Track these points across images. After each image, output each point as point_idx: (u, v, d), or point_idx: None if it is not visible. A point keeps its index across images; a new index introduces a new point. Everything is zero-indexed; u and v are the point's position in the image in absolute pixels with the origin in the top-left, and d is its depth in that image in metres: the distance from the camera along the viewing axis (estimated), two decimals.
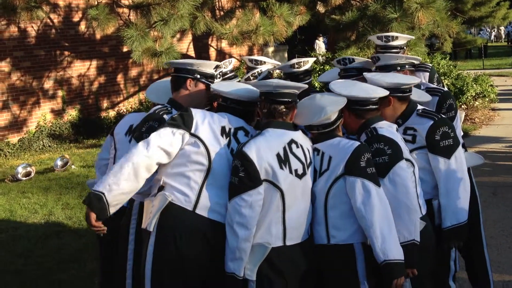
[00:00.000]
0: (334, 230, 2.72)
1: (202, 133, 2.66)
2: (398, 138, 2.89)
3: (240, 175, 2.58)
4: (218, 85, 2.91)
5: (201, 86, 3.07)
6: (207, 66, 3.08)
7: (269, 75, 3.74)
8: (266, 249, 2.62)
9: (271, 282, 2.65)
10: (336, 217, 2.72)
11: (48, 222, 6.26)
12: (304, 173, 2.70)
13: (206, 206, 2.65)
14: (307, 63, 3.72)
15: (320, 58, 11.76)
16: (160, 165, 2.67)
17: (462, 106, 11.18)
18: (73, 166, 8.88)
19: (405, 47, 3.83)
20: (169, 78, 3.25)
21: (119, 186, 2.56)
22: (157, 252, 2.64)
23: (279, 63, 4.05)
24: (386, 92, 2.95)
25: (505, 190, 6.55)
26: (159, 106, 3.03)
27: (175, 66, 3.12)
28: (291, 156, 2.67)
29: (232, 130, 2.75)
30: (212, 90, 2.93)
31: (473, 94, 10.99)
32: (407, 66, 3.39)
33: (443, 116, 3.13)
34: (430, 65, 4.02)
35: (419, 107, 3.15)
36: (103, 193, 2.56)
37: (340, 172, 2.69)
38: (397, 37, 3.75)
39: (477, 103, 11.31)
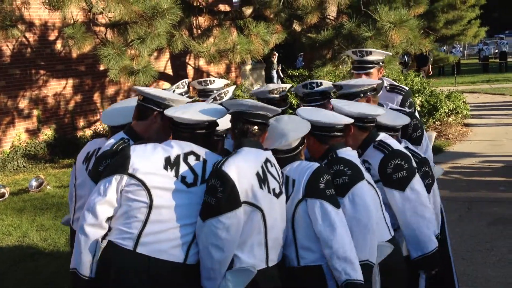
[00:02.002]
0: (304, 252, 2.72)
1: (139, 172, 2.52)
2: (358, 161, 2.91)
3: (218, 196, 2.48)
4: (172, 109, 2.75)
5: (166, 121, 2.89)
6: (179, 103, 2.93)
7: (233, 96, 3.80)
8: (252, 274, 2.55)
9: None
10: (304, 239, 2.71)
11: (22, 245, 6.14)
12: (280, 192, 2.69)
13: (148, 244, 2.49)
14: (285, 89, 3.80)
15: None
16: None
17: (436, 122, 11.36)
18: (48, 187, 8.75)
19: (381, 63, 3.89)
20: (124, 101, 3.16)
21: (87, 257, 2.55)
22: None
23: (228, 81, 4.14)
24: (351, 120, 2.98)
25: (479, 205, 6.66)
26: (116, 141, 2.88)
27: (144, 95, 2.95)
28: (268, 175, 2.64)
29: (181, 157, 2.61)
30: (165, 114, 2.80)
31: (447, 110, 11.19)
32: (369, 93, 3.39)
33: (395, 148, 3.05)
34: (407, 88, 4.00)
35: (380, 137, 3.12)
36: (76, 268, 2.58)
37: (302, 194, 2.70)
38: (371, 52, 3.83)
39: (450, 119, 11.51)
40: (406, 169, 3.00)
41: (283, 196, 2.71)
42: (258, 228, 2.59)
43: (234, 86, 4.29)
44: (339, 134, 2.94)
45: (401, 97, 3.89)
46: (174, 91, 3.84)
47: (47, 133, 11.87)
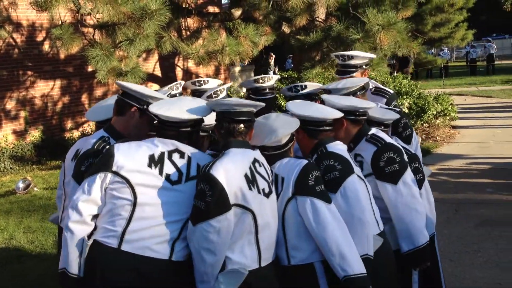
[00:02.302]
0: (294, 251, 2.72)
1: (123, 169, 2.53)
2: (348, 155, 2.92)
3: (207, 200, 2.47)
4: (155, 106, 2.73)
5: (146, 118, 2.92)
6: (158, 100, 2.91)
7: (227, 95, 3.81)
8: (243, 275, 2.54)
9: None
10: (294, 238, 2.72)
11: (9, 247, 6.09)
12: (270, 191, 2.68)
13: (133, 241, 2.49)
14: (271, 79, 3.82)
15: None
16: None
17: (424, 124, 11.44)
18: (35, 189, 8.68)
19: (364, 66, 3.90)
20: (109, 98, 3.16)
21: (74, 254, 2.55)
22: None
23: (221, 81, 4.15)
24: (341, 114, 2.99)
25: (467, 206, 6.70)
26: (96, 139, 2.90)
27: (124, 89, 2.93)
28: (257, 176, 2.63)
29: (165, 154, 2.61)
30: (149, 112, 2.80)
31: (434, 112, 11.27)
32: (358, 93, 3.42)
33: (387, 141, 3.07)
34: (391, 91, 4.01)
35: (372, 131, 3.13)
36: (65, 268, 2.59)
37: (291, 192, 2.70)
38: (353, 57, 3.85)
39: (438, 121, 11.59)
40: (398, 162, 3.02)
41: (273, 195, 2.71)
42: (249, 229, 2.59)
43: (229, 85, 4.27)
44: (328, 128, 2.94)
45: (385, 100, 3.91)
46: (169, 93, 3.82)
47: (35, 134, 11.78)
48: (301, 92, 3.60)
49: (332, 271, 2.67)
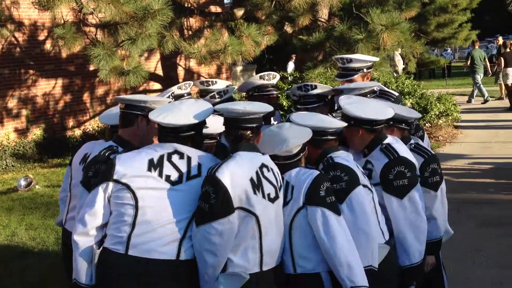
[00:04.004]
0: (300, 260, 2.72)
1: (124, 177, 2.56)
2: (354, 165, 2.92)
3: (211, 202, 2.49)
4: (154, 112, 2.73)
5: (152, 124, 2.92)
6: (160, 104, 2.96)
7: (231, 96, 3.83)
8: (243, 279, 2.56)
9: None
10: (301, 247, 2.71)
11: (11, 244, 6.10)
12: (276, 197, 2.68)
13: (139, 245, 2.52)
14: (276, 76, 3.90)
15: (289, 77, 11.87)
16: None
17: (426, 124, 11.42)
18: (37, 186, 8.69)
19: (365, 69, 3.88)
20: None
21: (82, 264, 2.62)
22: None
23: (230, 83, 4.16)
24: (344, 124, 3.01)
25: (469, 206, 6.69)
26: (104, 147, 2.94)
27: (126, 102, 2.99)
28: (263, 180, 2.63)
29: (165, 157, 2.62)
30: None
31: (437, 112, 11.25)
32: (369, 96, 3.44)
33: (400, 155, 3.03)
34: (396, 94, 3.92)
35: (388, 140, 3.10)
36: (75, 278, 2.65)
37: (302, 202, 2.70)
38: (351, 60, 3.85)
39: (440, 121, 11.56)
40: (408, 177, 3.00)
41: (279, 201, 2.70)
42: (252, 233, 2.59)
43: (234, 87, 4.26)
44: (332, 138, 2.95)
45: (390, 103, 3.89)
46: (172, 93, 3.81)
47: (36, 132, 11.80)
48: (310, 92, 3.59)
49: (338, 281, 2.68)
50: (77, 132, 12.45)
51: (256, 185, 2.58)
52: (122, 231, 2.54)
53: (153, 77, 13.37)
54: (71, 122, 12.58)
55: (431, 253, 3.31)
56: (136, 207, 2.53)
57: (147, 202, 2.54)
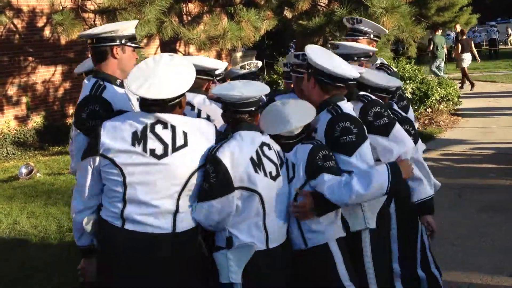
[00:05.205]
0: (309, 233, 2.77)
1: (109, 151, 2.53)
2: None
3: (211, 181, 2.54)
4: (134, 82, 2.55)
5: (129, 50, 2.89)
6: (130, 27, 2.88)
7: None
8: (251, 248, 2.60)
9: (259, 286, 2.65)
10: (309, 221, 2.75)
11: (13, 232, 6.11)
12: (278, 175, 2.71)
13: (133, 220, 2.52)
14: (256, 65, 4.09)
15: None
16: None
17: (427, 109, 11.38)
18: (38, 174, 8.69)
19: (372, 36, 3.91)
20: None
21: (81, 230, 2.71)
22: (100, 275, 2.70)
23: (226, 63, 4.25)
24: (358, 75, 2.96)
25: (470, 191, 6.69)
26: (92, 84, 2.83)
27: (94, 36, 2.84)
28: (264, 159, 2.67)
29: (148, 128, 2.54)
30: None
31: (438, 98, 11.20)
32: (362, 58, 3.48)
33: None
34: (393, 69, 4.04)
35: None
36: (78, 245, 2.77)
37: (303, 179, 2.73)
38: (361, 21, 3.91)
39: (441, 106, 11.52)
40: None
41: (281, 178, 2.73)
42: (256, 211, 2.64)
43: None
44: (342, 85, 2.91)
45: (372, 70, 3.95)
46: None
47: (37, 120, 11.78)
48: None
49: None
50: None
51: (257, 164, 2.63)
52: (116, 206, 2.55)
53: None
54: (71, 109, 12.54)
55: (427, 213, 3.36)
56: (124, 183, 2.52)
57: (135, 178, 2.52)
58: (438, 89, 11.27)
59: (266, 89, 2.80)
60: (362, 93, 3.14)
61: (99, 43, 2.85)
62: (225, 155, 2.55)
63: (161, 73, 2.56)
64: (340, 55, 3.39)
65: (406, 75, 11.03)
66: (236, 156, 2.57)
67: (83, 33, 2.96)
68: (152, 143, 2.53)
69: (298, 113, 2.82)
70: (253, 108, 2.71)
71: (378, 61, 3.98)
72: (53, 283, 4.72)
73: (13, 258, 5.34)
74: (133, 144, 2.52)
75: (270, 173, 2.67)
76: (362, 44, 3.69)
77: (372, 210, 2.92)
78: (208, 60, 3.24)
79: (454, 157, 8.51)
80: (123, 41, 2.87)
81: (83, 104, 2.80)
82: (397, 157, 2.98)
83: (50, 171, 9.03)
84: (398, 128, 3.08)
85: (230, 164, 2.55)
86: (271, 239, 2.67)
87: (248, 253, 2.60)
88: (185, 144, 2.56)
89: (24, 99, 11.74)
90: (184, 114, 2.76)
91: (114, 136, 2.54)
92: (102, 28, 2.85)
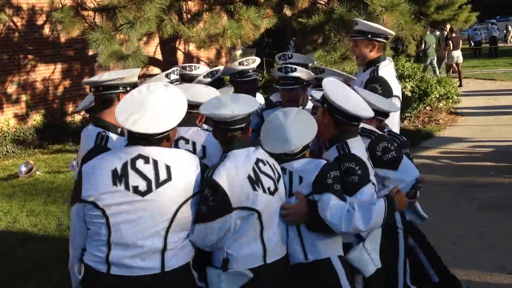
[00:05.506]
0: (311, 247, 2.74)
1: (90, 196, 2.42)
2: (365, 155, 2.91)
3: (210, 205, 2.49)
4: (121, 114, 2.47)
5: None
6: (134, 75, 2.89)
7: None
8: (245, 277, 2.56)
9: None
10: (310, 235, 2.73)
11: (12, 230, 6.12)
12: (276, 189, 2.67)
13: (119, 264, 2.41)
14: (254, 61, 4.08)
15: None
16: None
17: (427, 107, 11.38)
18: (38, 172, 8.70)
19: (368, 36, 3.91)
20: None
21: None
22: None
23: (208, 69, 4.25)
24: (372, 114, 2.96)
25: (470, 190, 6.69)
26: (94, 132, 2.86)
27: (100, 84, 2.85)
28: (261, 175, 2.62)
29: (128, 165, 2.43)
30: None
31: (437, 96, 11.21)
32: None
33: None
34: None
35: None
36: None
37: (308, 191, 2.71)
38: (357, 22, 4.04)
39: (441, 104, 11.53)
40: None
41: (279, 192, 2.69)
42: (254, 228, 2.60)
43: (222, 67, 4.30)
44: (356, 124, 2.92)
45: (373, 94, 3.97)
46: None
47: (36, 118, 11.77)
48: (290, 74, 3.68)
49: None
50: (77, 117, 12.41)
51: (255, 181, 2.58)
52: (100, 250, 2.44)
53: (152, 61, 13.26)
54: (70, 108, 12.54)
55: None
56: (107, 225, 2.41)
57: (119, 218, 2.40)
58: (438, 87, 11.28)
59: (256, 104, 2.76)
60: (366, 127, 3.11)
61: (107, 90, 2.87)
62: (222, 177, 2.50)
63: (152, 105, 2.46)
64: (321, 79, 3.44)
65: (406, 73, 11.03)
66: (233, 177, 2.52)
67: (88, 80, 2.95)
68: (135, 179, 2.42)
69: (299, 131, 2.78)
70: (244, 125, 2.65)
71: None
72: (52, 281, 4.73)
73: (12, 256, 5.34)
74: (114, 184, 2.40)
75: (269, 188, 2.63)
76: (342, 72, 3.76)
77: (375, 251, 2.92)
78: (204, 94, 3.08)
79: (453, 155, 8.52)
80: (128, 88, 2.87)
81: (91, 156, 2.73)
82: (397, 186, 3.00)
83: (50, 169, 9.03)
84: (405, 160, 3.12)
85: (228, 185, 2.50)
86: (269, 254, 2.63)
87: (241, 280, 2.56)
88: (168, 178, 2.44)
89: (23, 97, 11.73)
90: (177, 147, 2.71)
91: (94, 178, 2.44)
92: (108, 76, 2.86)
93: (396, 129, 3.77)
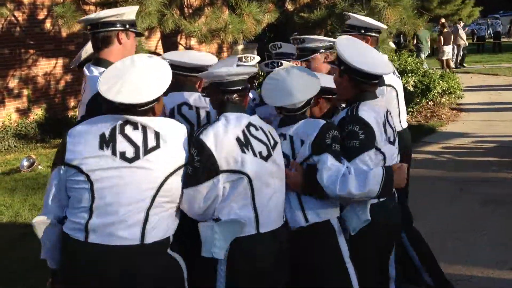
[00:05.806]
0: (311, 211, 2.73)
1: (74, 159, 2.34)
2: (380, 118, 2.84)
3: (195, 165, 2.40)
4: (104, 84, 2.38)
5: (132, 36, 2.78)
6: (132, 12, 2.77)
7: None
8: (240, 224, 2.46)
9: (250, 278, 2.50)
10: (311, 199, 2.73)
11: (14, 224, 6.12)
12: (269, 155, 2.58)
13: (99, 230, 2.30)
14: (253, 58, 4.04)
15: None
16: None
17: (429, 102, 11.35)
18: (39, 167, 8.70)
19: (361, 31, 3.83)
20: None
21: (45, 246, 2.59)
22: None
23: (258, 57, 4.30)
24: (391, 68, 2.98)
25: (471, 185, 6.67)
26: (96, 74, 2.67)
27: (98, 21, 2.69)
28: (252, 139, 2.53)
29: (117, 129, 2.36)
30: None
31: (440, 91, 11.18)
32: (327, 50, 3.58)
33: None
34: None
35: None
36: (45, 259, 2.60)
37: (308, 152, 2.69)
38: (349, 17, 3.89)
39: (443, 99, 11.50)
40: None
41: (273, 158, 2.61)
42: (244, 193, 2.50)
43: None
44: (375, 82, 2.86)
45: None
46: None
47: (38, 113, 11.78)
48: (276, 68, 3.61)
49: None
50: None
51: (244, 144, 2.49)
52: (80, 217, 2.33)
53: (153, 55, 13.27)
54: (72, 102, 12.54)
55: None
56: (91, 190, 2.31)
57: (104, 183, 2.30)
58: (440, 82, 11.24)
59: (253, 70, 2.73)
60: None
61: (103, 28, 2.72)
62: (209, 137, 2.43)
63: (135, 75, 2.38)
64: (307, 48, 3.43)
65: (408, 68, 11.00)
66: (220, 137, 2.44)
67: (84, 18, 2.81)
68: (122, 145, 2.33)
69: (302, 85, 2.75)
70: (241, 87, 2.58)
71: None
72: None
73: (15, 250, 5.34)
74: (101, 148, 2.32)
75: (260, 153, 2.54)
76: (325, 38, 3.73)
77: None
78: (202, 57, 3.08)
79: (455, 150, 8.50)
80: (127, 26, 2.75)
81: (95, 101, 2.57)
82: (398, 161, 2.96)
83: (52, 164, 9.02)
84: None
85: (214, 146, 2.42)
86: (262, 222, 2.52)
87: (236, 229, 2.45)
88: (157, 146, 2.37)
89: (25, 92, 11.73)
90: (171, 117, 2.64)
91: (80, 141, 2.36)
92: (105, 12, 2.71)
93: (397, 121, 3.72)
